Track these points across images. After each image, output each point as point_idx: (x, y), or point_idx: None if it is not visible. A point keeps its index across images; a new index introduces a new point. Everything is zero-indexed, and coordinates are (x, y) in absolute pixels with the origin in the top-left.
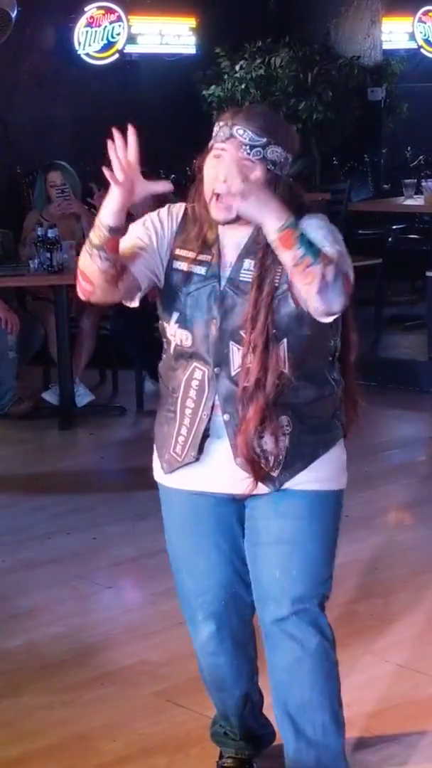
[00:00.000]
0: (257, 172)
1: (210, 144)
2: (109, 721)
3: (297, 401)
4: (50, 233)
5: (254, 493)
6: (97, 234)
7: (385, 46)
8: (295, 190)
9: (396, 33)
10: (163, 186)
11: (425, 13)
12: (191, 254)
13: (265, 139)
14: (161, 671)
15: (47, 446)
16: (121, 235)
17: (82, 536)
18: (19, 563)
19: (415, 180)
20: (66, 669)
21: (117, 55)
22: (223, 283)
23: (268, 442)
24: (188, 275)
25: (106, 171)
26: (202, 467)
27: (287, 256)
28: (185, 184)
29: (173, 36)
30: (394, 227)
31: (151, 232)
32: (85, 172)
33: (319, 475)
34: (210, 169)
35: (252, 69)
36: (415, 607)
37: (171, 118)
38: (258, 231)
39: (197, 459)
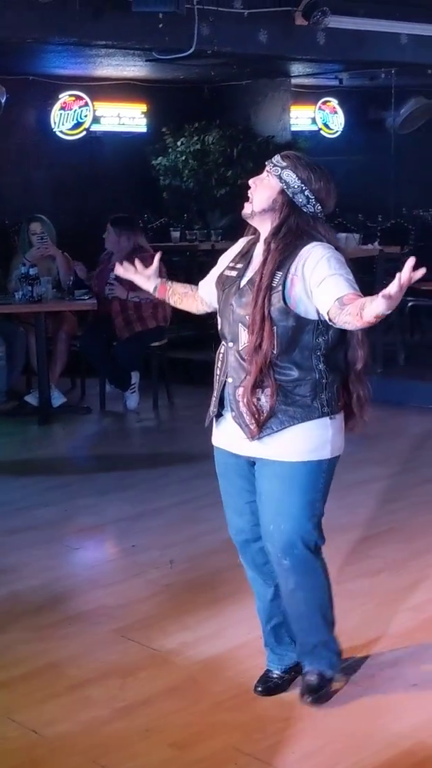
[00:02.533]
0: (273, 187)
1: None
2: (75, 653)
3: (283, 379)
4: (31, 271)
5: (252, 456)
6: None
7: (293, 128)
8: (312, 221)
9: (301, 118)
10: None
11: (324, 103)
12: (232, 263)
13: (284, 164)
14: (117, 613)
15: (29, 438)
16: (158, 291)
17: (56, 508)
18: (6, 530)
19: None
20: (41, 612)
21: (85, 133)
22: (244, 282)
23: (259, 400)
24: (226, 278)
25: (118, 268)
26: (222, 429)
27: (358, 323)
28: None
29: (129, 118)
30: None
31: (219, 264)
32: (60, 222)
33: (298, 448)
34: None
35: (190, 144)
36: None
37: (127, 182)
38: (266, 247)
39: (219, 415)
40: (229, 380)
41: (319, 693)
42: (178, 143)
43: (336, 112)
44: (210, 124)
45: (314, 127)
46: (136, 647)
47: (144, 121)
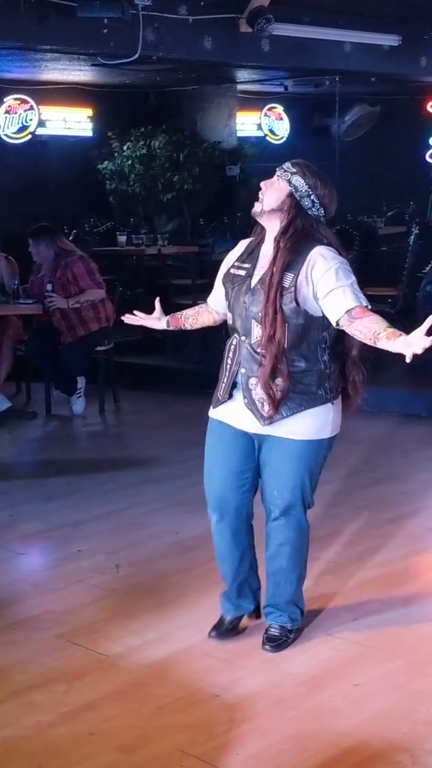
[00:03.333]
0: (281, 190)
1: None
2: (21, 659)
3: (292, 370)
4: None
5: (259, 433)
6: None
7: (239, 134)
8: (315, 224)
9: (247, 124)
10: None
11: (269, 110)
12: (238, 263)
13: (294, 170)
14: (62, 618)
15: None
16: (171, 324)
17: (1, 514)
18: None
19: None
20: None
21: (30, 136)
22: (254, 281)
23: (277, 386)
24: (234, 276)
25: (126, 318)
26: (229, 407)
27: (370, 345)
28: (85, 237)
29: (75, 122)
30: None
31: (223, 265)
32: (5, 227)
33: (304, 429)
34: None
35: (137, 149)
36: (259, 564)
37: (73, 186)
38: (276, 245)
39: (229, 398)
40: (242, 370)
41: (279, 642)
42: (125, 147)
43: (281, 119)
44: (156, 128)
45: (260, 133)
46: (81, 652)
47: (90, 125)
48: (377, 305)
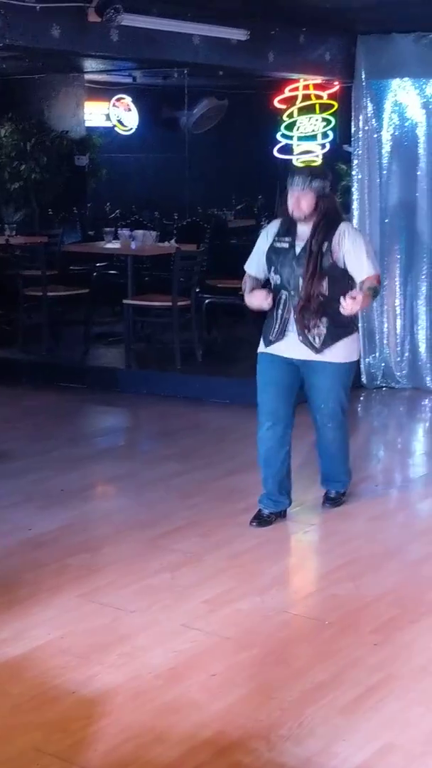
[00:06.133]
0: (310, 196)
1: (286, 188)
2: None
3: (331, 311)
4: None
5: (307, 359)
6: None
7: (88, 123)
8: (334, 201)
9: (95, 114)
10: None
11: (118, 100)
12: (278, 238)
13: (309, 179)
14: None
15: None
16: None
17: None
18: None
19: (113, 229)
20: None
21: None
22: (298, 250)
23: (318, 326)
24: (278, 249)
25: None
26: (282, 344)
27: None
28: None
29: None
30: (98, 264)
31: (262, 240)
32: None
33: (339, 354)
34: (289, 200)
35: None
36: (115, 559)
37: None
38: (315, 228)
39: (281, 338)
40: (294, 317)
41: (337, 502)
42: None
43: (130, 110)
44: (2, 117)
45: (109, 124)
46: None
47: None
48: (227, 297)
